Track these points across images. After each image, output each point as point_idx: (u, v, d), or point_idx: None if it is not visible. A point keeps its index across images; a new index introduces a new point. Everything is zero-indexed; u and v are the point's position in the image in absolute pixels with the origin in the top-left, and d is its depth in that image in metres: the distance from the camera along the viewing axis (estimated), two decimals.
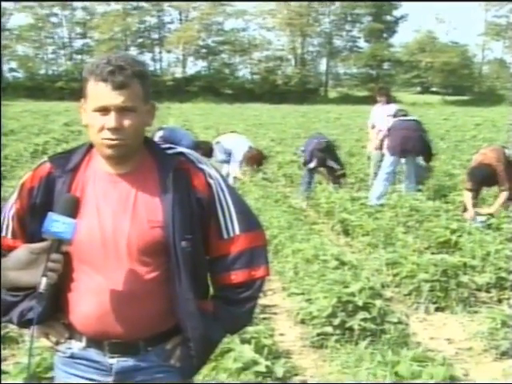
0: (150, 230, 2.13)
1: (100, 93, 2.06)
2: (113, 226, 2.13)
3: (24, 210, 2.20)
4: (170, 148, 2.26)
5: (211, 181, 2.21)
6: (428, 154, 10.42)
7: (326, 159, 10.81)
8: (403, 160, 10.33)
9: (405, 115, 10.76)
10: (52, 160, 2.23)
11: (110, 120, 2.06)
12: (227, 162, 11.40)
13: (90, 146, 2.23)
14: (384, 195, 9.89)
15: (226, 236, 2.23)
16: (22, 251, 1.98)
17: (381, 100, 11.87)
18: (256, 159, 11.66)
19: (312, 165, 10.81)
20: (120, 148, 2.10)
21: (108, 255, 2.13)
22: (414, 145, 10.00)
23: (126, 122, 2.08)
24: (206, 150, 10.22)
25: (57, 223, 1.96)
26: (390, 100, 12.06)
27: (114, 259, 2.13)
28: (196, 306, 2.17)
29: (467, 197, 8.79)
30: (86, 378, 2.24)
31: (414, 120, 10.54)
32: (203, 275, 2.28)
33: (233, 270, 2.24)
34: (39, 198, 2.17)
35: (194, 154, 2.26)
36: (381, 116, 11.51)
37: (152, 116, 2.21)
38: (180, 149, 2.27)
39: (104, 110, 2.07)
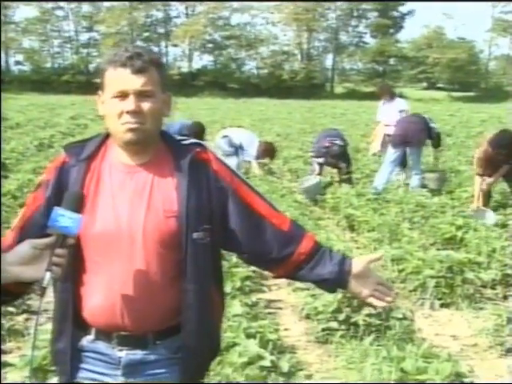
0: (166, 219, 2.13)
1: (119, 77, 2.10)
2: (128, 216, 2.13)
3: (43, 205, 2.19)
4: (184, 139, 2.28)
5: (231, 168, 2.30)
6: (436, 140, 10.80)
7: (338, 162, 10.84)
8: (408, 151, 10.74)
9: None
10: (67, 149, 2.25)
11: (129, 103, 2.09)
12: (235, 154, 11.51)
13: (106, 137, 2.24)
14: (385, 185, 10.27)
15: (279, 208, 2.35)
16: (26, 246, 1.97)
17: (385, 98, 12.01)
18: (269, 151, 11.95)
19: (320, 161, 10.85)
20: (139, 132, 2.11)
21: (123, 246, 2.13)
22: (413, 135, 10.34)
23: (145, 106, 2.10)
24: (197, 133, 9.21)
25: (63, 218, 1.95)
26: (394, 95, 12.23)
27: (129, 250, 2.13)
28: (196, 299, 2.16)
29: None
30: (95, 372, 2.24)
31: (415, 115, 11.06)
32: (218, 266, 2.31)
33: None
34: (54, 190, 2.17)
35: (209, 146, 2.30)
36: (388, 111, 11.64)
37: (168, 106, 2.23)
38: (195, 140, 2.29)
39: (123, 95, 2.09)
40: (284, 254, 2.27)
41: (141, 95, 2.09)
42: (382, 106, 12.18)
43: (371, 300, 2.28)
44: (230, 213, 2.23)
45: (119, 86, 2.10)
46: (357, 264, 2.26)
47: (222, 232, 2.23)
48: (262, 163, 12.39)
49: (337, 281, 2.27)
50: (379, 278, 2.33)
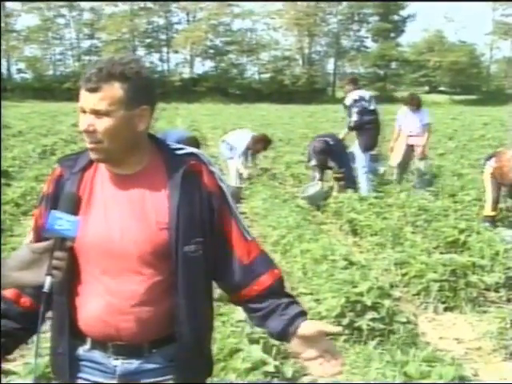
0: (158, 231, 2.10)
1: (81, 94, 2.09)
2: (121, 227, 2.11)
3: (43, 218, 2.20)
4: (180, 149, 2.23)
5: (222, 184, 2.22)
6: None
7: (327, 160, 10.72)
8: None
9: (365, 107, 10.68)
10: (61, 162, 2.25)
11: (82, 122, 2.08)
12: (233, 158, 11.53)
13: None
14: (371, 188, 10.54)
15: (249, 238, 2.25)
16: (25, 251, 1.98)
17: (412, 108, 11.60)
18: (262, 141, 11.85)
19: (312, 163, 10.84)
20: (98, 152, 2.09)
21: (115, 257, 2.11)
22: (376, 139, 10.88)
23: (98, 126, 2.06)
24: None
25: (60, 221, 1.95)
26: (421, 106, 11.76)
27: (122, 261, 2.11)
28: (188, 313, 2.15)
29: None
30: (91, 381, 2.23)
31: (373, 113, 10.75)
32: (208, 279, 2.26)
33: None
34: (52, 203, 2.17)
35: (206, 156, 2.25)
36: (413, 122, 11.48)
37: (144, 120, 2.13)
38: (191, 149, 2.24)
39: (83, 112, 2.08)
40: (237, 285, 2.23)
41: (96, 114, 2.05)
42: (408, 115, 11.66)
43: (312, 366, 2.16)
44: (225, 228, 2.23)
45: (80, 103, 2.09)
46: (308, 327, 2.14)
47: (214, 244, 2.20)
48: (255, 163, 12.36)
49: (278, 338, 2.26)
50: (331, 347, 2.16)
